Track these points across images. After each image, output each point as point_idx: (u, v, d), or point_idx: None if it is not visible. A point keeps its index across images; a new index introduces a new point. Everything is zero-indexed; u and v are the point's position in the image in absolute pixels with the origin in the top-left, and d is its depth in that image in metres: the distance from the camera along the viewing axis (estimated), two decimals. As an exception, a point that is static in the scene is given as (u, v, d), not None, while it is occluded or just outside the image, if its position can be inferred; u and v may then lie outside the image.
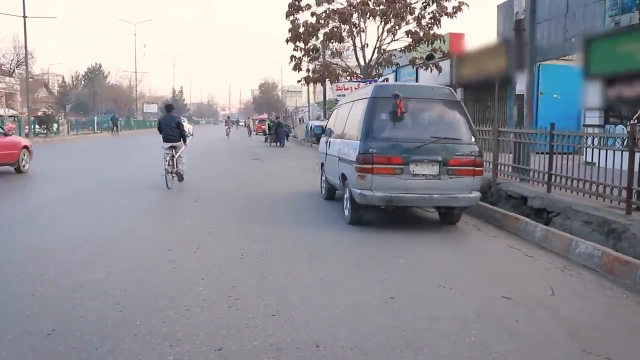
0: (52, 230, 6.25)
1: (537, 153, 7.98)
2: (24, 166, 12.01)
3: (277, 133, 26.40)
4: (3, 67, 43.94)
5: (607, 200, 6.16)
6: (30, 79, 36.62)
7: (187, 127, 25.51)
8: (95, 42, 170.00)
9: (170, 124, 10.14)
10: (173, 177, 9.95)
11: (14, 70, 45.13)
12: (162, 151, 10.04)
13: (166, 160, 9.90)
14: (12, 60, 44.28)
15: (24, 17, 28.67)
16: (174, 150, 10.03)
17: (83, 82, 65.69)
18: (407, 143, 6.28)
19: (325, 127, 9.69)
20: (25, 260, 4.80)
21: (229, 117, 48.65)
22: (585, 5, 12.30)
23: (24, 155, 12.06)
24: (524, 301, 3.99)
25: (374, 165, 6.23)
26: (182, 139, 10.20)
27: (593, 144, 6.52)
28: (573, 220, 6.22)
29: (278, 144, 26.11)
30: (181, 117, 12.40)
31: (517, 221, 6.55)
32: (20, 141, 12.30)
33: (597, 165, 6.46)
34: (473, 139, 6.60)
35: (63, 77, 68.12)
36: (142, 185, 10.25)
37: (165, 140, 10.13)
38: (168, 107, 11.03)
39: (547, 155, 7.35)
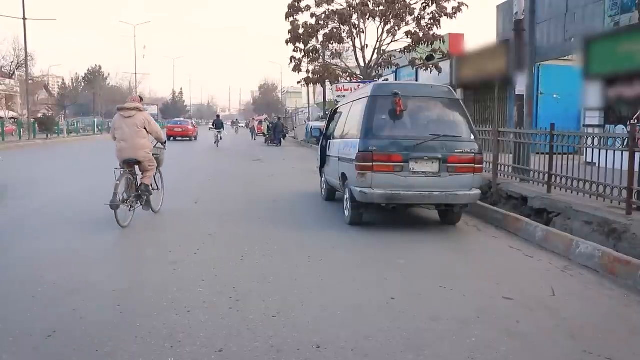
0: (53, 231, 6.25)
1: (537, 153, 7.96)
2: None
3: (274, 133, 28.30)
4: (3, 69, 43.99)
5: (608, 201, 6.15)
6: (30, 81, 36.65)
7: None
8: (95, 43, 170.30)
9: (218, 123, 28.38)
10: (217, 144, 25.26)
11: (14, 72, 45.22)
12: (214, 133, 27.32)
13: (215, 136, 26.41)
14: (12, 62, 44.42)
15: (24, 19, 28.69)
16: (219, 133, 26.81)
17: (83, 84, 65.61)
18: (407, 141, 6.29)
19: (324, 129, 9.70)
20: (26, 262, 4.80)
21: (218, 116, 33.68)
22: (585, 6, 12.32)
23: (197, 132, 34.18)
24: (525, 301, 3.98)
25: (374, 163, 6.24)
26: (222, 128, 28.07)
27: (593, 144, 6.52)
28: (573, 221, 6.21)
29: (275, 143, 27.94)
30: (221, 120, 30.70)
31: (517, 221, 6.54)
32: (195, 127, 34.72)
33: (597, 165, 6.46)
34: (472, 137, 6.60)
35: (63, 79, 68.17)
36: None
37: (216, 129, 27.45)
38: (217, 117, 31.43)
39: (547, 156, 7.34)
